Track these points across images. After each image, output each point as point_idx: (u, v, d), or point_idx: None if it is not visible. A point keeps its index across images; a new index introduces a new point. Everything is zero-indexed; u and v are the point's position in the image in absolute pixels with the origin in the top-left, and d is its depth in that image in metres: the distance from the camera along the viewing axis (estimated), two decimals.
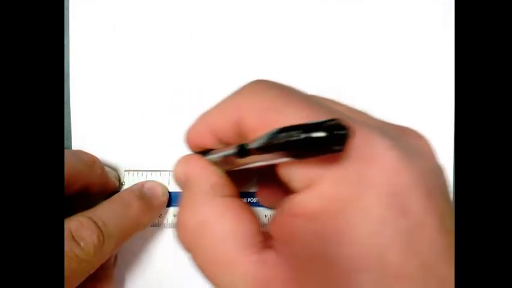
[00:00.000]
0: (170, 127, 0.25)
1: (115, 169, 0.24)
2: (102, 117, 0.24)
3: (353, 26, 0.25)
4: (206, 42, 0.25)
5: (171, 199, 0.24)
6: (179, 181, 0.19)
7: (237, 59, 0.25)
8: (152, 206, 0.22)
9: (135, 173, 0.24)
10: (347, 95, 0.24)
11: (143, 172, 0.24)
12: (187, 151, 0.24)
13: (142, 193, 0.22)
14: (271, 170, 0.15)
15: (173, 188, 0.24)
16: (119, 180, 0.24)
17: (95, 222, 0.18)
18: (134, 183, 0.23)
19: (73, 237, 0.17)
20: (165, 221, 0.24)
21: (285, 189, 0.14)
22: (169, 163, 0.24)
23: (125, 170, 0.24)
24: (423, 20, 0.25)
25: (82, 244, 0.17)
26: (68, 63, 0.24)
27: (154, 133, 0.25)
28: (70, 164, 0.19)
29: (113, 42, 0.25)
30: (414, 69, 0.25)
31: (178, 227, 0.17)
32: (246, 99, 0.15)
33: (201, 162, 0.18)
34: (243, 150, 0.15)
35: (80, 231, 0.17)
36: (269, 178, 0.21)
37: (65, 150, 0.19)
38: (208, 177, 0.17)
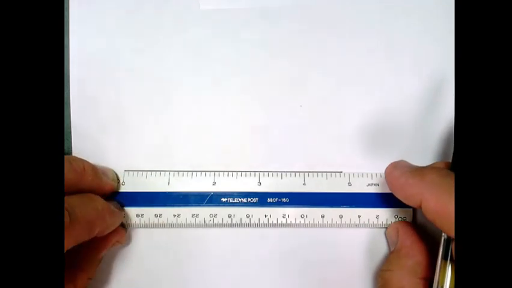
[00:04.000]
0: (170, 127, 0.25)
1: (114, 169, 0.24)
2: (102, 117, 0.24)
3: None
4: (206, 41, 0.25)
5: (171, 199, 0.24)
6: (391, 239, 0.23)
7: (238, 61, 0.25)
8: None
9: (135, 173, 0.24)
10: (344, 94, 0.24)
11: (143, 172, 0.24)
12: (185, 151, 0.24)
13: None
14: None
15: (173, 187, 0.24)
16: (119, 180, 0.24)
17: None
18: (134, 183, 0.24)
19: None
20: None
21: None
22: (169, 163, 0.24)
23: (125, 170, 0.24)
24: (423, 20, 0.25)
25: None
26: (68, 63, 0.24)
27: (154, 133, 0.25)
28: None
29: (113, 42, 0.25)
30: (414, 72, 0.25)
31: None
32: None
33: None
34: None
35: None
36: None
37: None
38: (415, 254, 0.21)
